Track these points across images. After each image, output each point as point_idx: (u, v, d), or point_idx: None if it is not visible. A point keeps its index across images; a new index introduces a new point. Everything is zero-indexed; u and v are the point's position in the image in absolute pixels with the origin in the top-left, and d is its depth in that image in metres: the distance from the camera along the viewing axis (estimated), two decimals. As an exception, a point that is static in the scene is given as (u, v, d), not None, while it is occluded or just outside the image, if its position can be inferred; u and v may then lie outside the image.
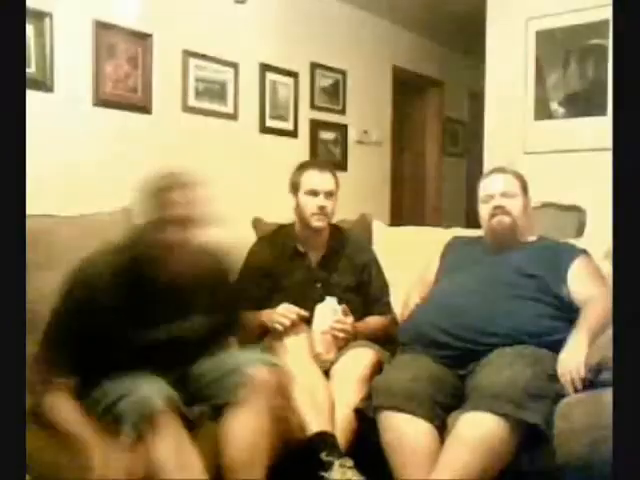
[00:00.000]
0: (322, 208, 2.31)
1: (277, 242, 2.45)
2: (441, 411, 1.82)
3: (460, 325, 1.95)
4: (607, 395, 1.46)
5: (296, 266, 2.38)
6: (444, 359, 1.96)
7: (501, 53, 3.81)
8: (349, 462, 1.79)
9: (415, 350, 2.04)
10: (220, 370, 1.80)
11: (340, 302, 2.23)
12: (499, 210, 2.17)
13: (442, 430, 1.80)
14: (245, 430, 1.70)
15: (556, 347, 1.85)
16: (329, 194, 2.34)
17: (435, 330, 1.99)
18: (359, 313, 2.33)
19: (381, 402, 1.84)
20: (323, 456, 1.79)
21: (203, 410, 1.76)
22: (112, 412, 1.61)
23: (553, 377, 1.77)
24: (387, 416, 1.81)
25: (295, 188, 2.41)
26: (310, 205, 2.33)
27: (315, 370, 2.03)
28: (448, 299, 2.07)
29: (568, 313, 1.95)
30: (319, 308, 2.22)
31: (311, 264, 2.41)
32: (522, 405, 1.65)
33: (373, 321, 2.38)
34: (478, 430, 1.64)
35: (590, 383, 1.73)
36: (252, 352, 1.93)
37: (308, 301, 2.26)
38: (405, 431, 1.77)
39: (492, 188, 2.23)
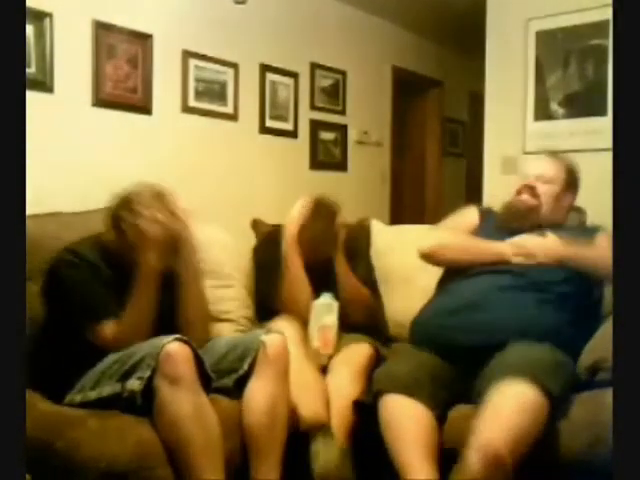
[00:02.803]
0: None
1: (275, 240, 2.48)
2: (440, 402, 1.82)
3: (473, 328, 1.92)
4: (607, 394, 1.47)
5: None
6: (453, 359, 1.94)
7: (501, 53, 3.81)
8: (334, 441, 1.81)
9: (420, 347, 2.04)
10: (235, 345, 1.85)
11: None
12: (528, 190, 2.15)
13: (442, 421, 1.81)
14: (263, 395, 1.75)
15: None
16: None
17: (447, 334, 1.96)
18: None
19: (382, 387, 1.85)
20: (313, 446, 1.81)
21: (223, 382, 1.79)
22: (123, 370, 1.64)
23: (567, 363, 1.80)
24: (387, 399, 1.82)
25: None
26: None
27: (308, 366, 2.05)
28: (459, 299, 2.02)
29: (587, 319, 1.95)
30: (315, 305, 2.24)
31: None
32: (545, 375, 1.66)
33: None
34: (517, 395, 1.62)
35: (588, 383, 1.73)
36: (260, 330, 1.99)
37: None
38: (404, 412, 1.77)
39: (532, 168, 2.21)
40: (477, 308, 1.95)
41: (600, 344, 1.82)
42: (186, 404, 1.56)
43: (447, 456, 1.78)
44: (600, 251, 1.98)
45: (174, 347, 1.59)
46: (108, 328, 1.76)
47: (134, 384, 1.60)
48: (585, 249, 2.05)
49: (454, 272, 2.18)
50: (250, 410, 1.75)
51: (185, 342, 1.62)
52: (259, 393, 1.76)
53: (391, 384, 1.83)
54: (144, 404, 1.60)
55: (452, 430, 1.82)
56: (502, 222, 2.19)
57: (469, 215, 2.33)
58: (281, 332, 1.89)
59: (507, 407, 1.60)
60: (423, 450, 1.70)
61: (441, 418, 1.82)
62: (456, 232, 2.25)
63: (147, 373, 1.58)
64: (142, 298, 1.78)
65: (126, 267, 1.81)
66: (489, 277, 2.04)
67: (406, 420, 1.75)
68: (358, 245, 2.58)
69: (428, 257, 2.23)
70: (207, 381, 1.68)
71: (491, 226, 2.21)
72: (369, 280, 2.51)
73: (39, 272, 1.98)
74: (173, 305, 1.90)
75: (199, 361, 1.65)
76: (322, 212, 2.37)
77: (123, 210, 1.84)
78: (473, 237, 2.22)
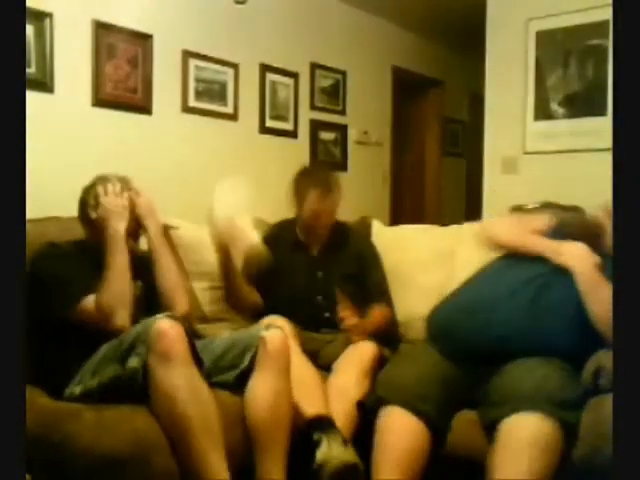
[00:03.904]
0: None
1: (279, 234, 2.52)
2: (447, 411, 1.82)
3: (486, 331, 1.89)
4: (608, 401, 1.46)
5: (297, 256, 2.46)
6: (461, 361, 1.93)
7: (501, 53, 3.81)
8: (337, 436, 1.80)
9: (428, 345, 2.04)
10: (234, 342, 1.87)
11: (341, 291, 2.28)
12: None
13: (446, 431, 1.81)
14: (266, 391, 1.76)
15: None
16: None
17: (464, 337, 1.93)
18: (359, 303, 2.37)
19: (385, 395, 1.84)
20: (314, 437, 1.81)
21: (224, 379, 1.81)
22: (119, 353, 1.66)
23: (578, 382, 1.76)
24: (388, 411, 1.80)
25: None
26: None
27: (303, 360, 2.05)
28: (484, 304, 1.96)
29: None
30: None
31: (312, 254, 2.48)
32: (561, 405, 1.64)
33: (377, 315, 2.40)
34: (530, 432, 1.60)
35: (589, 388, 1.73)
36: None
37: (310, 289, 2.36)
38: (398, 425, 1.76)
39: None
40: (493, 311, 1.91)
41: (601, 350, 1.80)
42: (180, 379, 1.58)
43: (453, 463, 1.79)
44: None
45: (165, 324, 1.61)
46: (89, 302, 1.81)
47: (134, 361, 1.62)
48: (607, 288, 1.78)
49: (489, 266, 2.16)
50: (253, 406, 1.76)
51: (176, 319, 1.64)
52: (261, 389, 1.77)
53: (395, 394, 1.82)
54: (145, 384, 1.61)
55: (457, 437, 1.82)
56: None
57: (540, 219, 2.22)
58: (280, 327, 1.90)
59: (526, 448, 1.58)
60: (401, 467, 1.70)
61: (446, 426, 1.81)
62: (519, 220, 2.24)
63: (144, 350, 1.61)
64: (115, 264, 1.86)
65: (102, 257, 1.89)
66: (516, 285, 1.96)
67: (395, 435, 1.75)
68: (367, 251, 2.58)
69: (483, 235, 2.23)
70: (199, 364, 1.69)
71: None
72: (384, 289, 2.52)
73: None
74: (154, 289, 2.00)
75: (191, 342, 1.66)
76: None
77: (88, 195, 2.04)
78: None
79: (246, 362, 1.80)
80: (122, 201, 2.01)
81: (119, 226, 1.95)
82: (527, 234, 2.10)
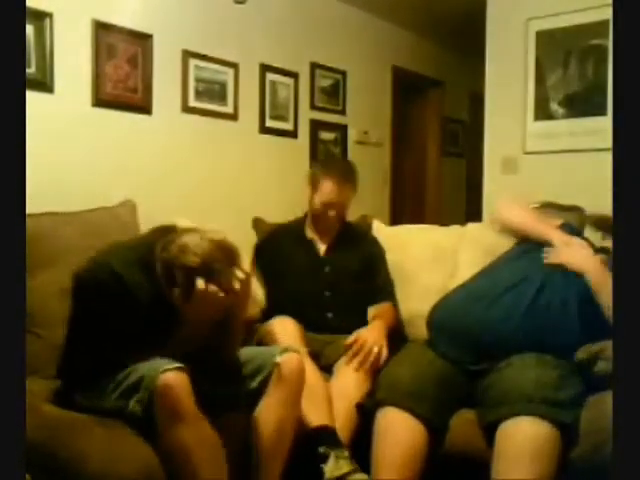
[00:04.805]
0: None
1: (286, 231, 2.58)
2: (444, 410, 1.82)
3: (488, 332, 1.90)
4: (608, 399, 1.47)
5: (304, 253, 2.48)
6: (458, 356, 1.94)
7: (501, 53, 3.81)
8: (344, 453, 1.83)
9: (426, 343, 2.05)
10: (251, 358, 1.83)
11: (348, 290, 2.32)
12: None
13: (444, 431, 1.81)
14: (272, 418, 1.75)
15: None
16: None
17: (463, 328, 1.95)
18: (365, 301, 2.41)
19: (383, 397, 1.85)
20: (321, 450, 1.83)
21: (233, 394, 1.78)
22: (124, 387, 1.61)
23: (576, 380, 1.77)
24: (385, 412, 1.82)
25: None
26: None
27: (311, 367, 2.05)
28: (486, 294, 1.99)
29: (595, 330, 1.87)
30: None
31: (319, 251, 2.50)
32: (557, 405, 1.64)
33: (386, 311, 2.41)
34: (528, 436, 1.61)
35: (588, 372, 1.74)
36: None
37: (318, 284, 2.39)
38: (395, 425, 1.77)
39: None
40: (492, 305, 1.93)
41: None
42: (187, 439, 1.53)
43: (451, 462, 1.79)
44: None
45: (171, 379, 1.52)
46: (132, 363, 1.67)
47: (135, 407, 1.58)
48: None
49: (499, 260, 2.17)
50: (257, 429, 1.75)
51: (182, 370, 1.56)
52: (268, 415, 1.76)
53: (393, 394, 1.83)
54: (146, 422, 1.57)
55: (456, 436, 1.82)
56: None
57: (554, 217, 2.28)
58: (297, 350, 1.87)
59: (525, 453, 1.59)
60: (399, 467, 1.71)
61: (443, 426, 1.82)
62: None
63: (146, 396, 1.55)
64: (176, 351, 1.67)
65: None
66: (517, 279, 1.98)
67: (394, 434, 1.76)
68: (375, 250, 2.59)
69: (497, 216, 2.24)
70: (212, 400, 1.65)
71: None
72: (391, 289, 2.53)
73: (35, 269, 1.98)
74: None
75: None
76: None
77: (181, 270, 1.60)
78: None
79: (255, 384, 1.77)
80: (216, 307, 1.63)
81: (198, 334, 1.68)
82: (540, 220, 2.13)
